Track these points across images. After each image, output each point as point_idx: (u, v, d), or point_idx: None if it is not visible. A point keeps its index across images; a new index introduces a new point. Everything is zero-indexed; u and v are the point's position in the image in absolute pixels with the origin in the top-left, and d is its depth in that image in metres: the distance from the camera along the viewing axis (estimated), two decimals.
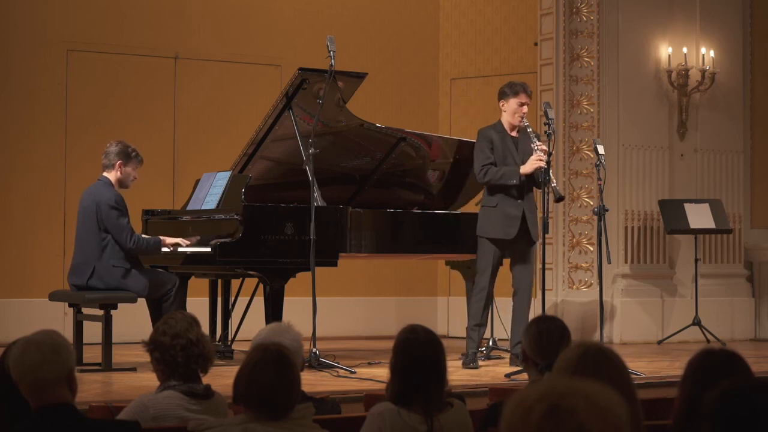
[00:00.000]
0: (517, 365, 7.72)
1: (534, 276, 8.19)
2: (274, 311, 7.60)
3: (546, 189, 7.78)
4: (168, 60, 10.62)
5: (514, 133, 8.16)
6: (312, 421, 3.63)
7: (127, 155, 7.77)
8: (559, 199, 7.94)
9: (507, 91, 8.17)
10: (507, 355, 8.35)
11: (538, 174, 7.94)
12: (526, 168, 7.97)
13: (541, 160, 7.90)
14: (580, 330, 10.01)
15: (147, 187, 9.05)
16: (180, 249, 7.85)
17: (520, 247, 8.09)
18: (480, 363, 8.23)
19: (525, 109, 8.12)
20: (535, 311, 8.37)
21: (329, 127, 8.38)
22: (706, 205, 10.40)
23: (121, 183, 7.79)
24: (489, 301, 8.15)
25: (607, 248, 7.88)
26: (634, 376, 2.82)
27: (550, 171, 7.87)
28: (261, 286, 7.94)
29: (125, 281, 7.57)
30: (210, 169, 8.68)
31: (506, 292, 8.51)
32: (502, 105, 8.18)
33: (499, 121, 8.22)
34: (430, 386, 3.77)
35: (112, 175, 7.76)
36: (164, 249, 7.80)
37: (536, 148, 7.96)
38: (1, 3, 10.08)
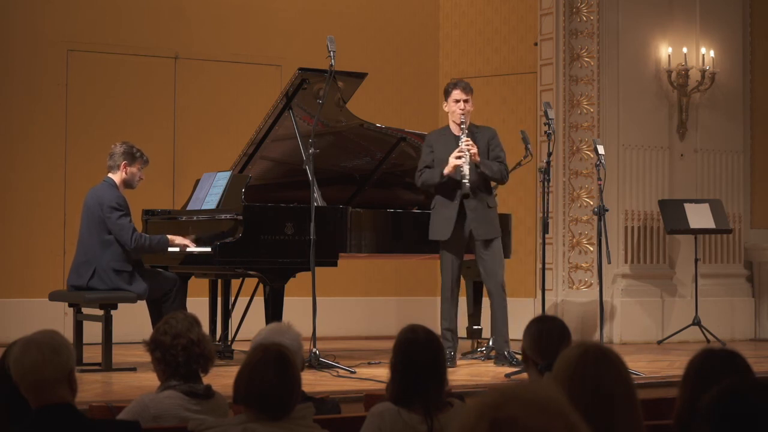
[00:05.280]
0: (502, 364, 7.78)
1: (500, 272, 8.07)
2: (274, 311, 7.60)
3: (462, 188, 7.76)
4: (168, 60, 10.62)
5: (463, 134, 8.01)
6: (312, 421, 3.63)
7: (132, 156, 7.76)
8: (465, 195, 7.80)
9: (445, 90, 8.16)
10: None
11: (459, 173, 7.84)
12: (446, 168, 7.90)
13: (459, 157, 7.84)
14: (580, 330, 10.01)
15: (147, 187, 9.03)
16: (188, 250, 7.83)
17: (475, 247, 8.02)
18: (479, 363, 8.25)
19: (462, 105, 8.03)
20: (535, 311, 8.38)
21: (329, 127, 8.38)
22: (706, 205, 10.40)
23: (127, 184, 7.77)
24: (455, 300, 8.08)
25: (607, 248, 7.88)
26: (634, 376, 2.82)
27: (466, 167, 7.77)
28: (261, 286, 7.94)
29: (126, 284, 7.56)
30: (210, 169, 8.68)
31: (508, 292, 8.50)
32: (445, 106, 8.17)
33: (447, 125, 8.19)
34: (430, 386, 3.77)
35: (116, 176, 7.75)
36: (172, 249, 7.79)
37: (461, 143, 7.90)
38: (1, 3, 10.08)
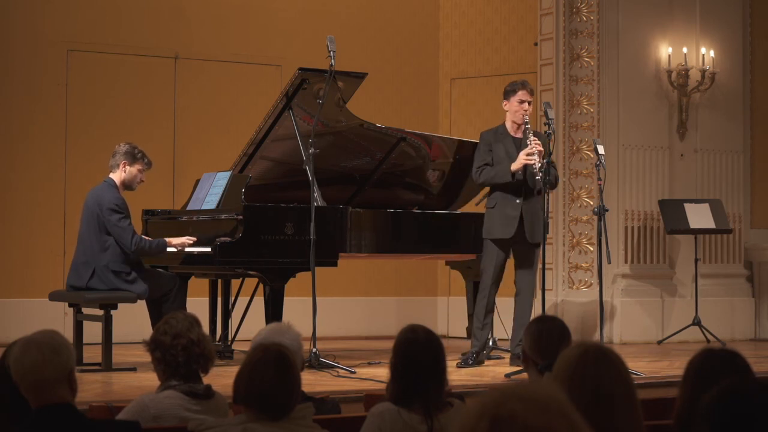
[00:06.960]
0: (517, 365, 7.75)
1: (536, 278, 8.20)
2: (274, 311, 7.60)
3: (536, 182, 7.77)
4: (168, 60, 10.62)
5: (518, 134, 8.15)
6: (312, 421, 3.63)
7: (133, 156, 7.75)
8: (538, 191, 7.83)
9: (508, 89, 8.19)
10: (507, 355, 8.35)
11: (531, 172, 7.91)
12: (514, 165, 7.97)
13: (529, 155, 7.89)
14: (580, 330, 10.01)
15: (147, 187, 9.04)
16: (187, 249, 7.82)
17: (521, 248, 8.08)
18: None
19: (526, 106, 8.09)
20: (535, 311, 8.37)
21: (329, 127, 8.38)
22: (706, 205, 10.40)
23: (126, 184, 7.75)
24: (492, 301, 8.14)
25: (607, 248, 7.88)
26: (634, 376, 2.82)
27: (537, 165, 7.81)
28: (261, 286, 7.94)
29: (126, 285, 7.56)
30: (210, 169, 8.68)
31: (506, 292, 8.51)
32: (505, 105, 8.20)
33: (503, 123, 8.24)
34: (430, 386, 3.77)
35: (116, 176, 7.74)
36: (170, 249, 7.79)
37: (529, 142, 7.96)
38: (1, 3, 10.08)
